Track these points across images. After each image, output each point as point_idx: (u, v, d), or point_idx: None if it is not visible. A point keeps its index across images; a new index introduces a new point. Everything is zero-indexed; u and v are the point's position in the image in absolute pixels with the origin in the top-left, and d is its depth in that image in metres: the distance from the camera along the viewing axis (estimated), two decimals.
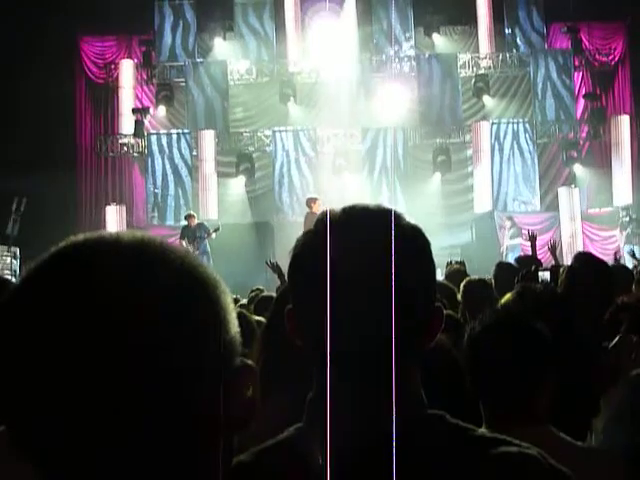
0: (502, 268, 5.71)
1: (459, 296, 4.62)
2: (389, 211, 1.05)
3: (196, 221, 13.75)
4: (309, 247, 1.05)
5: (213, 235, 13.34)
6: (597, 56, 17.13)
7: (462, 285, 4.48)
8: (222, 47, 17.01)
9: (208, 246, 13.41)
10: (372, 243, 0.99)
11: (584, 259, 3.26)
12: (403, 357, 0.95)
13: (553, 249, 6.59)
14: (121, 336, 0.64)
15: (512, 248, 14.36)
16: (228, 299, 0.75)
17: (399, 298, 0.95)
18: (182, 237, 13.51)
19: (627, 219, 14.56)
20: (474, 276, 5.08)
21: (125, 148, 16.41)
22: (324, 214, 1.05)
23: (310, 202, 12.37)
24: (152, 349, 0.65)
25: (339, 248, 0.97)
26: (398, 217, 1.04)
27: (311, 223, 1.08)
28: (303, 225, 13.06)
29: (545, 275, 4.94)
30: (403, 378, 0.95)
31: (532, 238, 6.65)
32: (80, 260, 0.68)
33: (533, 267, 5.03)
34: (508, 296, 3.17)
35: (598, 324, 2.73)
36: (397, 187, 15.96)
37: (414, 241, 1.06)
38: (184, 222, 15.81)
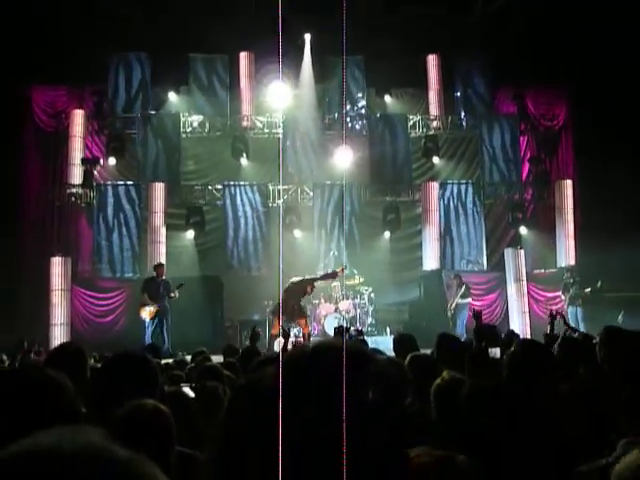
0: (445, 339, 5.69)
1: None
2: (361, 353, 1.03)
3: (165, 272, 13.48)
4: (270, 390, 1.00)
5: (176, 294, 13.10)
6: (542, 121, 17.72)
7: (407, 362, 4.43)
8: (175, 100, 17.06)
9: (167, 302, 13.17)
10: (343, 390, 0.96)
11: (526, 347, 3.29)
12: None
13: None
14: None
15: (462, 307, 14.52)
16: None
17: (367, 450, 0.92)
18: (144, 290, 13.22)
19: (571, 281, 14.88)
20: (423, 349, 5.06)
21: (73, 198, 16.11)
22: (293, 355, 1.03)
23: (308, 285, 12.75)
24: None
25: (308, 393, 0.94)
26: (371, 360, 1.02)
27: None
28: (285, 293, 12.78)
29: (496, 351, 4.95)
30: None
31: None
32: None
33: (483, 344, 5.06)
34: (442, 380, 3.16)
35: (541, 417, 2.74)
36: (347, 244, 16.06)
37: (388, 384, 1.04)
38: (131, 274, 15.60)
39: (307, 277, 13.20)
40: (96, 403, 2.68)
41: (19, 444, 0.66)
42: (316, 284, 13.27)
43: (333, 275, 13.50)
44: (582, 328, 12.58)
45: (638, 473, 1.21)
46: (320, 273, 13.98)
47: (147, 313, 13.05)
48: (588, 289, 14.36)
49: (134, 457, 0.69)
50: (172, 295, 13.06)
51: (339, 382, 0.97)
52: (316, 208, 16.37)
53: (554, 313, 8.39)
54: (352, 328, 12.34)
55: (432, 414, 3.04)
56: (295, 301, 12.64)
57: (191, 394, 4.27)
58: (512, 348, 3.35)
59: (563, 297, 14.99)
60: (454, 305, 14.60)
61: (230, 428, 1.03)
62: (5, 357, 8.46)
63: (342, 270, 13.56)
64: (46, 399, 1.66)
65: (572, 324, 10.94)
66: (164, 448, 2.31)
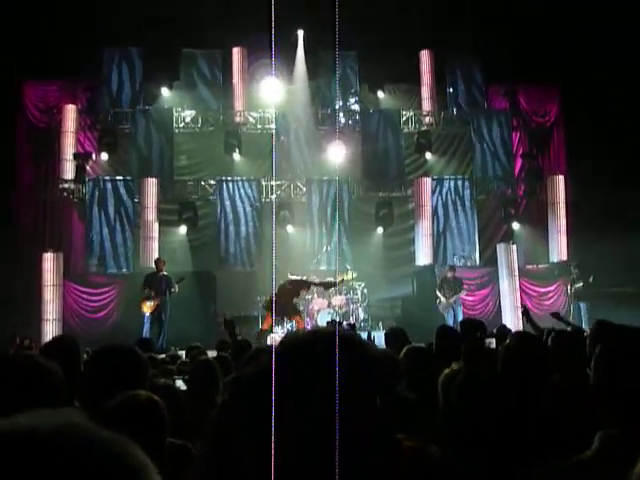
0: (445, 331, 5.71)
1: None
2: (354, 338, 1.05)
3: (165, 268, 13.45)
4: (266, 376, 1.00)
5: (176, 288, 13.09)
6: (534, 117, 17.78)
7: (404, 353, 4.45)
8: (168, 96, 17.02)
9: (168, 298, 13.13)
10: (336, 372, 0.97)
11: (521, 339, 3.31)
12: None
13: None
14: None
15: (459, 301, 14.65)
16: None
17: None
18: (145, 285, 13.20)
19: (576, 276, 14.90)
20: (415, 343, 5.07)
21: (65, 193, 16.06)
22: (286, 340, 1.04)
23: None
24: None
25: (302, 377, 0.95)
26: (365, 347, 1.04)
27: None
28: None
29: (491, 342, 4.98)
30: None
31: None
32: None
33: (479, 334, 5.09)
34: (452, 370, 3.19)
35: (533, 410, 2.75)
36: (340, 239, 16.05)
37: (380, 370, 1.05)
38: (123, 270, 15.54)
39: (305, 278, 13.35)
40: (88, 396, 2.68)
41: None
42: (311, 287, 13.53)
43: (328, 285, 13.75)
44: (584, 323, 12.70)
45: None
46: (318, 279, 13.94)
47: (148, 308, 13.04)
48: (580, 284, 14.42)
49: (114, 437, 0.69)
50: (173, 290, 13.05)
51: (333, 364, 0.97)
52: (309, 203, 16.34)
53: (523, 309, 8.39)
54: (345, 322, 12.37)
55: (439, 403, 3.07)
56: (289, 299, 12.71)
57: (183, 387, 4.27)
58: (507, 340, 3.36)
59: (569, 291, 15.08)
60: (453, 299, 14.59)
61: (222, 424, 1.03)
62: None
63: (341, 281, 13.80)
64: (36, 383, 1.66)
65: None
66: (157, 438, 2.31)
